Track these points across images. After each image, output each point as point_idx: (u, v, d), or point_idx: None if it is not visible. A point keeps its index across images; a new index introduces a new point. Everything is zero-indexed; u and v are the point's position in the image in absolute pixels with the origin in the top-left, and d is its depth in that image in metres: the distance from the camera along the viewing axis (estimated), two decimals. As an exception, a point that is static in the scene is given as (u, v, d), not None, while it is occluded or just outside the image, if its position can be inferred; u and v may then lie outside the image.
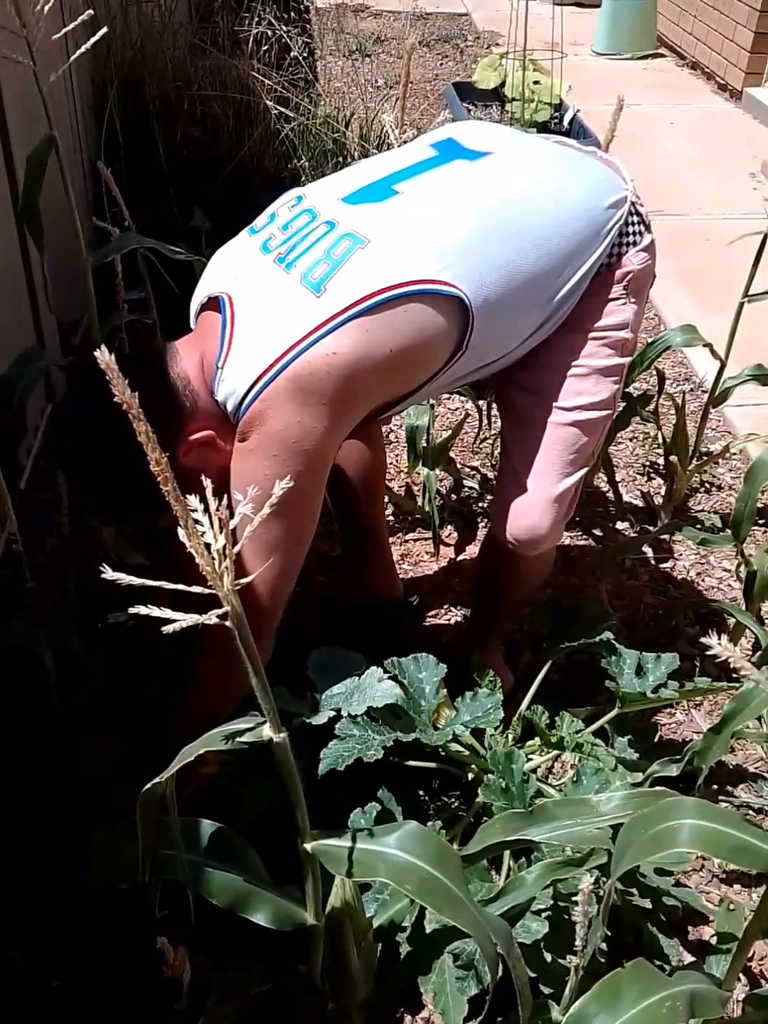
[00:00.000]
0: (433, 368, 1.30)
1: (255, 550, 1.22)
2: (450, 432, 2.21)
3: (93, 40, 1.52)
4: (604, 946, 1.22)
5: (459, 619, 1.95)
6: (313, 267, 1.21)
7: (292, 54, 3.56)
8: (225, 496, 0.76)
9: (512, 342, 1.35)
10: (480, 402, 2.32)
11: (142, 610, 0.74)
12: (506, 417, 1.52)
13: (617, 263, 1.36)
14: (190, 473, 1.21)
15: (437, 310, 1.23)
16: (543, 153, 1.41)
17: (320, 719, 1.24)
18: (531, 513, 1.42)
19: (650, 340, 2.11)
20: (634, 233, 1.36)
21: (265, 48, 3.45)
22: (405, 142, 1.80)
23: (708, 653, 0.77)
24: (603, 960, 1.23)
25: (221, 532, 0.75)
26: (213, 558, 0.76)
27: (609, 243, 1.34)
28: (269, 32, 3.48)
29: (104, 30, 1.59)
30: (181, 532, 0.75)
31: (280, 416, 1.18)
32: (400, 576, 2.00)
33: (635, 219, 1.37)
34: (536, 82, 3.93)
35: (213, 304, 1.28)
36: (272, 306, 1.22)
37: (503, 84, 4.07)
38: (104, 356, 0.70)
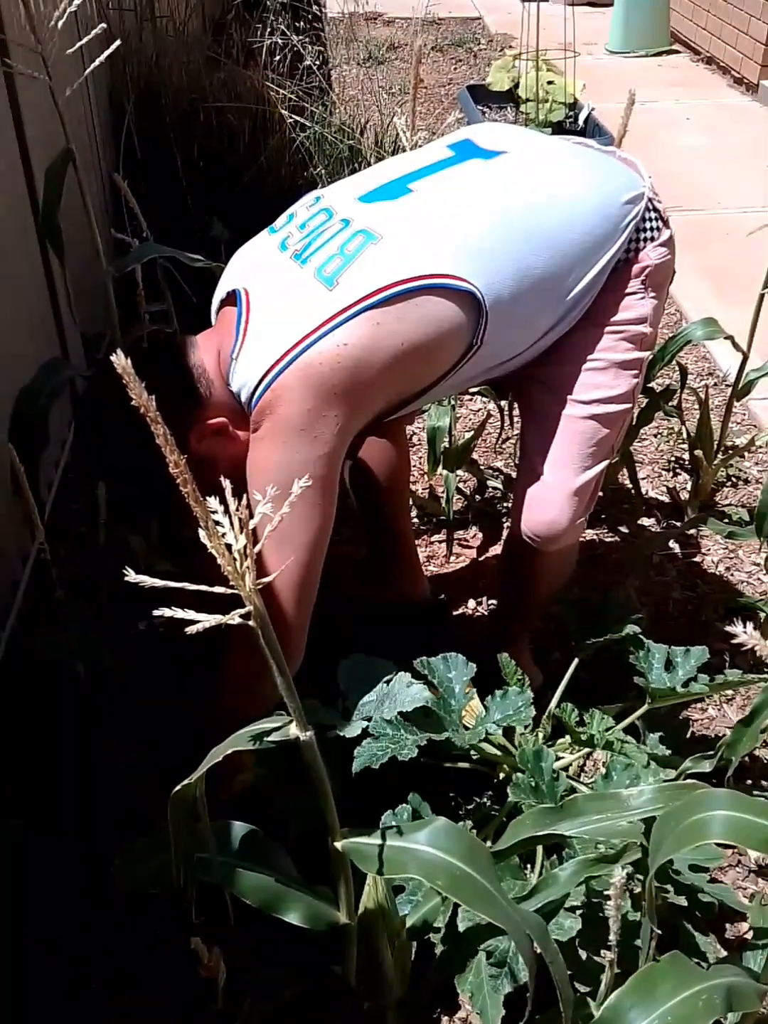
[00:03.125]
0: (446, 364, 1.30)
1: (272, 547, 1.21)
2: (472, 433, 2.20)
3: (107, 53, 1.54)
4: (638, 943, 1.21)
5: (485, 619, 1.94)
6: (327, 262, 1.23)
7: (305, 63, 3.58)
8: (245, 495, 0.76)
9: (527, 340, 1.35)
10: (502, 402, 2.31)
11: (166, 612, 0.75)
12: (524, 412, 1.52)
13: (635, 258, 1.36)
14: (203, 461, 1.22)
15: (449, 305, 1.24)
16: (559, 152, 1.41)
17: (353, 731, 1.24)
18: (550, 508, 1.42)
19: (671, 334, 2.09)
20: (652, 229, 1.36)
21: (278, 58, 3.47)
22: (416, 145, 1.81)
23: (738, 647, 0.76)
24: (649, 954, 1.22)
25: (241, 532, 0.76)
26: (234, 558, 0.77)
27: (626, 239, 1.34)
28: (282, 42, 3.49)
29: (118, 43, 1.61)
30: (201, 533, 0.76)
31: (291, 405, 1.19)
32: (424, 572, 2.00)
33: (653, 215, 1.36)
34: (550, 82, 3.92)
35: (230, 299, 1.31)
36: (285, 299, 1.24)
37: (517, 85, 4.06)
38: (120, 360, 0.71)
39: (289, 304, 1.23)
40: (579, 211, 1.32)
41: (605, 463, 1.45)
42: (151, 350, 1.32)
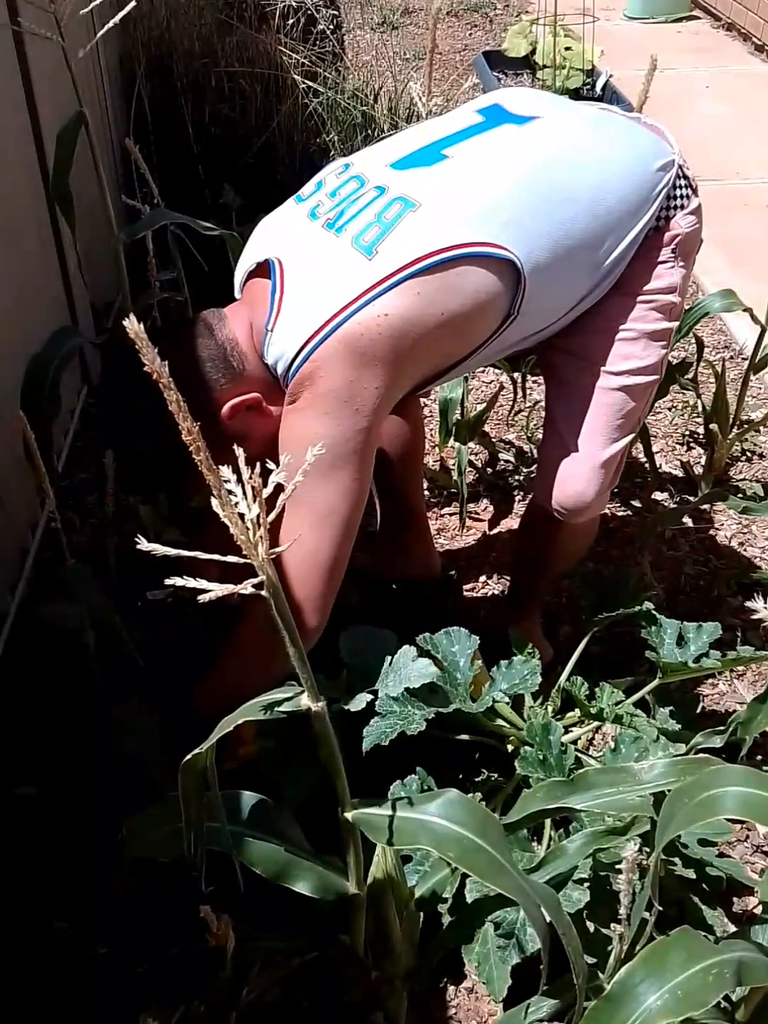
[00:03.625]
0: (485, 334, 1.28)
1: (311, 517, 1.21)
2: (484, 405, 2.19)
3: (122, 14, 1.51)
4: (646, 915, 1.21)
5: (497, 593, 1.94)
6: (364, 230, 1.20)
7: (319, 28, 3.53)
8: (258, 464, 0.75)
9: (562, 308, 1.33)
10: (515, 374, 2.29)
11: (178, 581, 0.74)
12: (551, 383, 1.49)
13: (666, 226, 1.34)
14: (236, 437, 1.21)
15: (489, 274, 1.21)
16: (590, 118, 1.39)
17: (358, 705, 1.24)
18: (579, 480, 1.41)
19: (688, 307, 2.06)
20: (682, 196, 1.34)
21: (291, 22, 3.41)
22: (431, 112, 1.78)
23: (751, 621, 0.76)
24: (647, 931, 1.22)
25: (255, 501, 0.75)
26: (247, 527, 0.76)
27: (658, 206, 1.32)
28: (295, 5, 3.44)
29: (132, 4, 1.58)
30: (214, 502, 0.75)
31: (331, 376, 1.17)
32: (437, 551, 1.99)
33: (682, 182, 1.35)
34: (567, 48, 3.85)
35: (262, 270, 1.27)
36: (323, 269, 1.21)
37: (534, 51, 3.99)
38: (133, 325, 0.69)
39: (327, 274, 1.20)
40: (614, 178, 1.30)
41: (632, 435, 1.44)
42: (179, 328, 1.29)
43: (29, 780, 1.45)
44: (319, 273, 1.22)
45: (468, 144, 1.29)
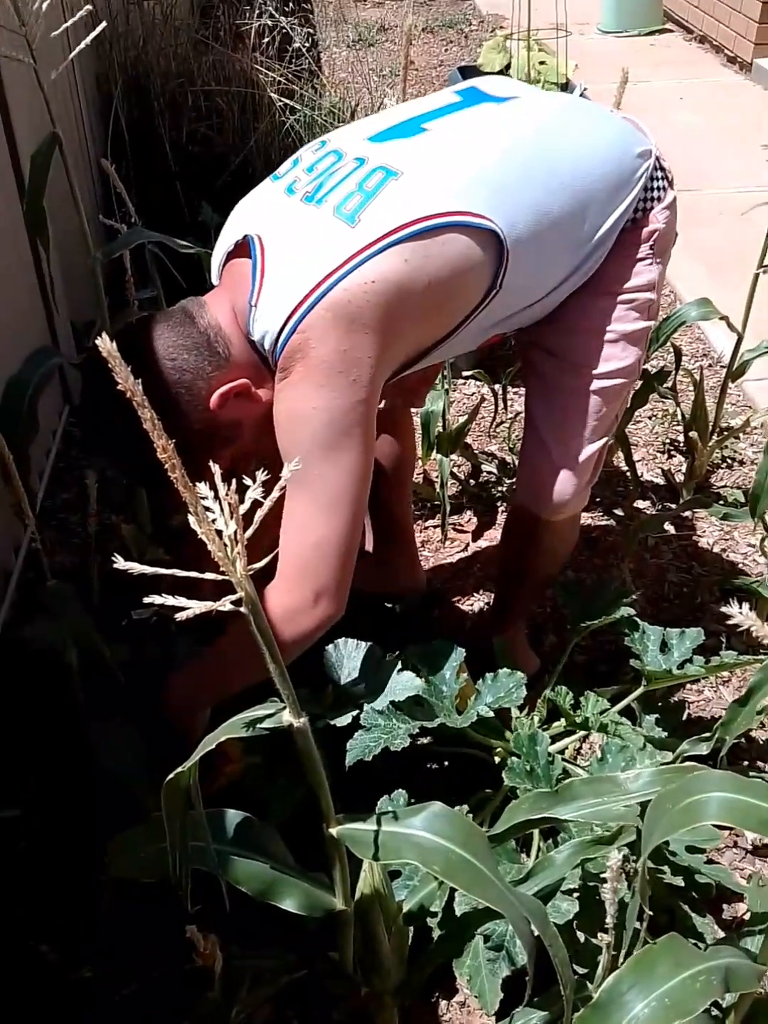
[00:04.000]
0: (468, 306, 1.27)
1: (318, 503, 1.18)
2: (466, 417, 2.19)
3: (92, 35, 1.52)
4: (638, 924, 1.21)
5: (482, 605, 1.94)
6: (346, 199, 1.19)
7: (294, 45, 3.55)
8: (234, 480, 0.75)
9: (543, 287, 1.33)
10: (496, 386, 2.30)
11: (158, 599, 0.74)
12: (532, 383, 1.50)
13: (644, 220, 1.35)
14: (225, 427, 1.18)
15: (472, 242, 1.21)
16: (567, 101, 1.42)
17: (344, 720, 1.23)
18: (558, 478, 1.43)
19: (666, 316, 2.08)
20: (659, 188, 1.36)
21: (267, 41, 3.43)
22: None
23: (734, 628, 0.76)
24: (636, 939, 1.22)
25: (232, 517, 0.75)
26: (224, 543, 0.76)
27: (638, 192, 1.33)
28: (271, 24, 3.46)
29: (103, 25, 1.58)
30: (191, 519, 0.75)
31: (323, 345, 1.15)
32: (421, 562, 1.99)
33: (659, 174, 1.36)
34: (542, 63, 3.88)
35: (241, 250, 1.25)
36: (305, 239, 1.19)
37: (509, 66, 4.02)
38: (106, 344, 0.69)
39: (309, 244, 1.18)
40: (594, 156, 1.31)
41: (608, 436, 1.46)
42: (159, 322, 1.23)
43: (12, 801, 1.44)
44: (301, 244, 1.19)
45: (448, 119, 1.29)
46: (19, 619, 1.78)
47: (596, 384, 1.40)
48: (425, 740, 1.47)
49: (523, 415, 1.53)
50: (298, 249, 1.19)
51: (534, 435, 1.46)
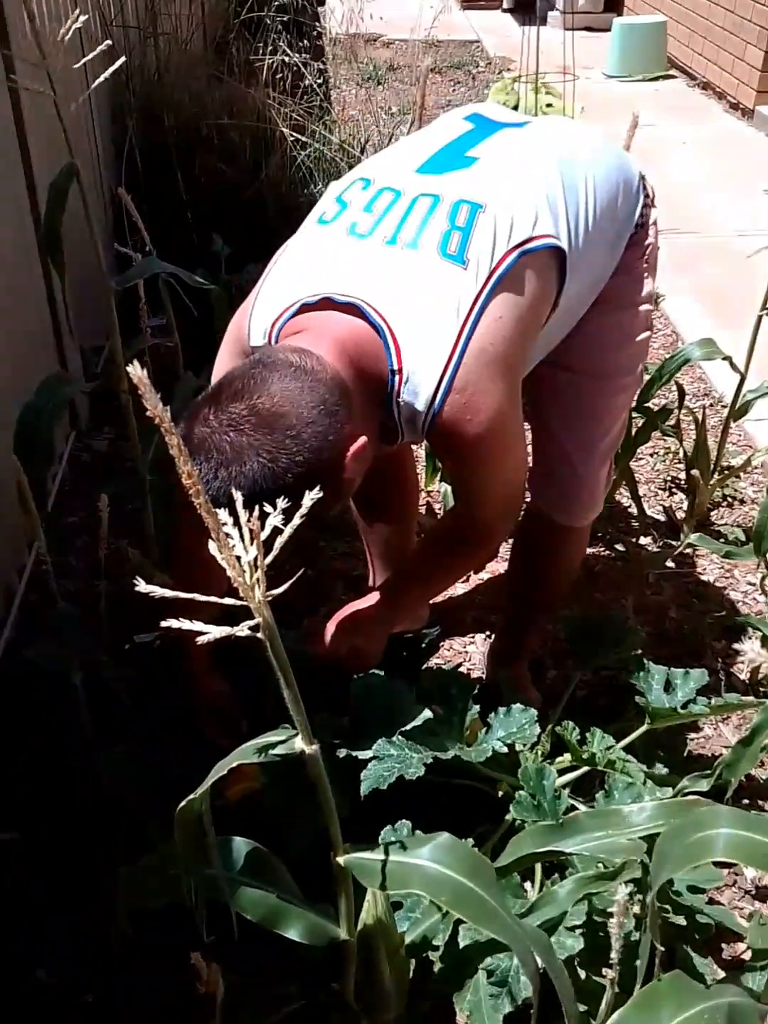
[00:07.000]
0: (539, 330, 1.32)
1: (504, 506, 1.35)
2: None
3: (112, 69, 1.55)
4: (638, 963, 1.21)
5: (483, 638, 1.94)
6: (445, 239, 1.19)
7: (306, 82, 3.61)
8: (257, 507, 0.76)
9: (580, 308, 1.38)
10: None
11: (174, 624, 0.75)
12: (548, 400, 1.50)
13: (641, 234, 1.41)
14: (343, 484, 1.14)
15: (547, 264, 1.26)
16: (567, 123, 1.51)
17: (366, 754, 1.24)
18: (587, 485, 1.52)
19: (669, 355, 2.11)
20: (647, 206, 1.42)
21: (280, 77, 3.50)
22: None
23: (735, 667, 0.77)
24: (637, 977, 1.21)
25: (252, 543, 0.76)
26: (244, 570, 0.76)
27: (640, 206, 1.40)
28: (284, 61, 3.52)
29: (122, 59, 1.61)
30: (211, 544, 0.75)
31: (489, 399, 1.18)
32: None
33: (646, 195, 1.43)
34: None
35: (323, 304, 1.19)
36: (423, 289, 1.18)
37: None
38: (136, 372, 0.71)
39: (430, 293, 1.17)
40: (610, 174, 1.37)
41: (617, 444, 1.56)
42: (291, 370, 1.11)
43: (14, 825, 1.44)
44: (422, 296, 1.18)
45: (488, 146, 1.32)
46: (24, 640, 1.78)
47: (618, 392, 1.49)
48: (427, 774, 1.47)
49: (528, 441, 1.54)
50: (422, 302, 1.17)
51: (553, 445, 1.51)
